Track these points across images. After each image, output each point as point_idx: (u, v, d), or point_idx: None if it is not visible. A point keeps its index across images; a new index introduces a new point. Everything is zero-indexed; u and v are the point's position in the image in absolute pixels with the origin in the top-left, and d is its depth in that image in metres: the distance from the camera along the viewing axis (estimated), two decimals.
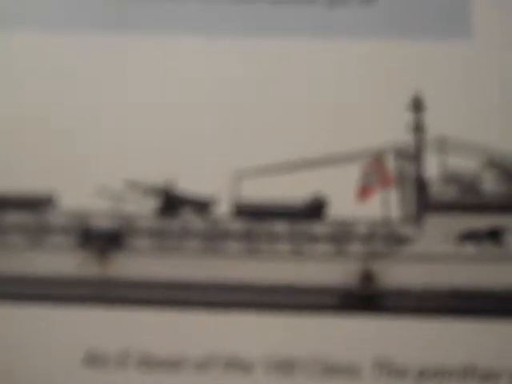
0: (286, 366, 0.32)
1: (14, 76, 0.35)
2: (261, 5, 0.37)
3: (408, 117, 0.34)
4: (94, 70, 0.35)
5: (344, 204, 0.33)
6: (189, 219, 0.34)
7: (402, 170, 0.34)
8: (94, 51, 0.35)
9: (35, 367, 0.31)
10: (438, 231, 0.33)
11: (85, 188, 0.33)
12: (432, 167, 0.34)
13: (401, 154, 0.34)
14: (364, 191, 0.33)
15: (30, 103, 0.35)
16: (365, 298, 0.32)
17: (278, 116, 0.35)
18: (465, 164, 0.34)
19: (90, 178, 0.33)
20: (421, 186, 0.34)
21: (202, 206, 0.33)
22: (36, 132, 0.34)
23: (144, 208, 0.33)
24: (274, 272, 0.33)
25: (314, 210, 0.33)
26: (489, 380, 0.31)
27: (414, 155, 0.34)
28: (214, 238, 0.33)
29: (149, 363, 0.31)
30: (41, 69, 0.35)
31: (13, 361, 0.32)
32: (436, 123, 0.34)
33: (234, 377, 0.31)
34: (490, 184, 0.34)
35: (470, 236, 0.33)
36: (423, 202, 0.34)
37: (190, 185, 0.33)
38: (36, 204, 0.33)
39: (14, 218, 0.34)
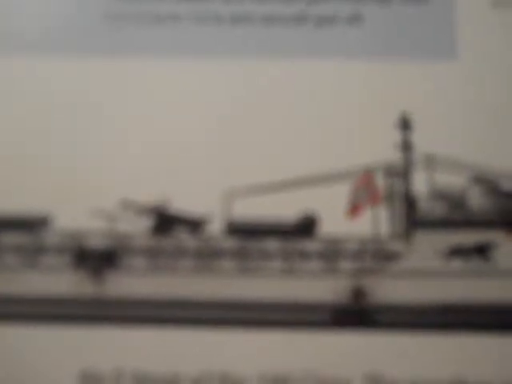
0: (278, 381, 0.32)
1: (13, 100, 0.36)
2: (250, 25, 0.37)
3: (396, 135, 0.35)
4: (90, 94, 0.36)
5: (334, 221, 0.34)
6: (182, 238, 0.34)
7: (391, 187, 0.35)
8: (91, 75, 0.36)
9: None
10: (427, 247, 0.34)
11: (79, 208, 0.33)
12: (420, 184, 0.34)
13: (390, 171, 0.35)
14: (354, 209, 0.34)
15: (28, 126, 0.35)
16: (356, 314, 0.33)
17: (269, 136, 0.35)
18: (452, 181, 0.34)
19: (85, 199, 0.34)
20: (409, 202, 0.35)
21: (195, 225, 0.34)
22: (32, 154, 0.35)
23: (138, 227, 0.34)
24: (267, 289, 0.33)
25: (305, 227, 0.34)
26: None
27: (403, 173, 0.35)
28: (207, 257, 0.34)
29: (143, 381, 0.32)
30: (38, 92, 0.36)
31: (8, 380, 0.32)
32: (424, 141, 0.35)
33: None
34: (477, 200, 0.35)
35: (458, 252, 0.34)
36: (412, 219, 0.34)
37: (181, 204, 0.34)
38: (31, 224, 0.34)
39: (9, 238, 0.34)
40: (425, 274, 0.33)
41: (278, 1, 0.38)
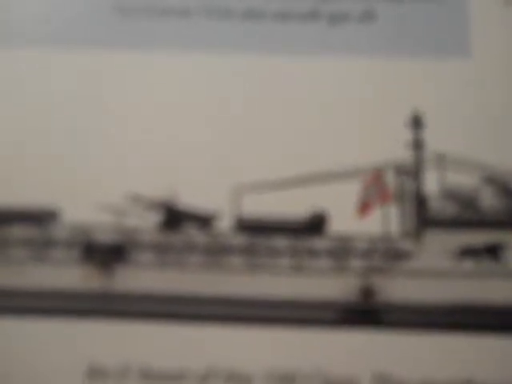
0: (286, 379, 0.32)
1: (22, 93, 0.35)
2: (262, 22, 0.37)
3: (408, 134, 0.35)
4: (99, 87, 0.36)
5: (344, 219, 0.34)
6: (191, 233, 0.34)
7: (402, 186, 0.34)
8: (100, 68, 0.36)
9: (37, 380, 0.32)
10: (437, 246, 0.34)
11: (88, 203, 0.33)
12: (431, 183, 0.34)
13: (400, 170, 0.34)
14: (364, 207, 0.34)
15: (36, 122, 0.35)
16: (365, 313, 0.33)
17: (279, 133, 0.35)
18: (463, 180, 0.34)
19: (93, 193, 0.34)
20: (420, 201, 0.34)
21: (204, 221, 0.34)
22: (41, 149, 0.35)
23: (146, 222, 0.34)
24: (275, 286, 0.33)
25: (315, 225, 0.34)
26: None
27: (414, 171, 0.34)
28: (216, 253, 0.34)
29: (150, 376, 0.32)
30: (41, 85, 0.36)
31: (15, 374, 0.32)
32: (435, 140, 0.34)
33: None
34: (489, 200, 0.34)
35: (469, 252, 0.33)
36: (422, 218, 0.34)
37: (191, 200, 0.34)
38: (40, 218, 0.34)
39: (18, 231, 0.34)
40: (435, 273, 0.33)
41: None
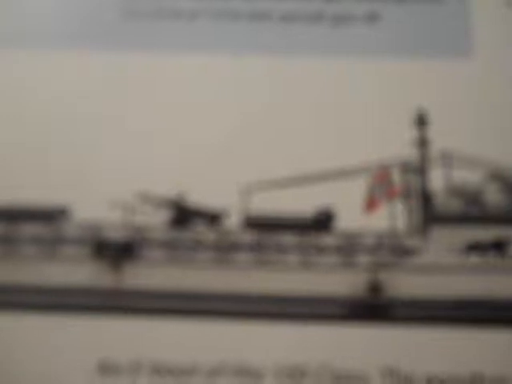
0: (295, 374, 0.32)
1: (35, 90, 0.36)
2: (268, 23, 0.38)
3: (413, 132, 0.35)
4: (111, 88, 0.36)
5: (351, 216, 0.34)
6: (200, 231, 0.34)
7: (408, 183, 0.35)
8: (109, 71, 0.36)
9: (48, 377, 0.32)
10: (444, 242, 0.34)
11: (98, 201, 0.34)
12: (437, 180, 0.35)
13: (406, 167, 0.35)
14: (371, 203, 0.34)
15: (50, 117, 0.35)
16: (372, 308, 0.33)
17: (287, 131, 0.35)
18: (469, 177, 0.34)
19: (103, 191, 0.34)
20: (426, 198, 0.35)
21: (213, 218, 0.34)
22: (52, 145, 0.35)
23: (156, 220, 0.34)
24: (283, 282, 0.33)
25: (322, 222, 0.34)
26: None
27: (419, 169, 0.35)
28: (225, 250, 0.34)
29: (161, 372, 0.32)
30: (59, 85, 0.36)
31: (26, 370, 0.32)
32: (440, 138, 0.35)
33: None
34: (494, 196, 0.35)
35: (475, 247, 0.34)
36: (429, 214, 0.35)
37: (200, 197, 0.34)
38: (50, 215, 0.34)
39: (28, 229, 0.34)
40: (441, 269, 0.33)
41: None
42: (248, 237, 0.34)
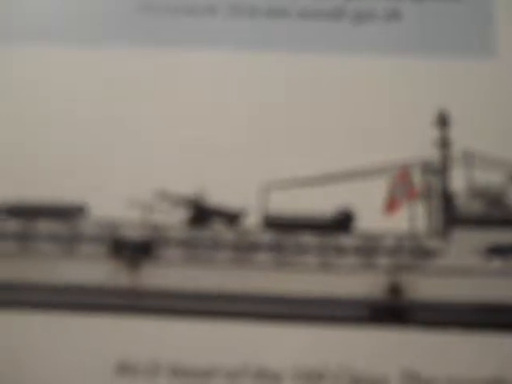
0: (314, 376, 0.32)
1: (47, 87, 0.36)
2: (286, 20, 0.37)
3: (434, 132, 0.35)
4: (128, 84, 0.36)
5: (371, 217, 0.34)
6: (218, 230, 0.34)
7: (429, 184, 0.34)
8: (127, 66, 0.36)
9: (66, 376, 0.32)
10: (465, 245, 0.34)
11: (116, 199, 0.33)
12: (458, 181, 0.34)
13: (427, 168, 0.34)
14: (392, 204, 0.34)
15: (67, 116, 0.35)
16: (392, 311, 0.33)
17: (306, 129, 0.35)
18: (491, 178, 0.34)
19: (121, 190, 0.33)
20: (447, 199, 0.34)
21: (231, 218, 0.34)
22: (70, 143, 0.35)
23: (174, 219, 0.34)
24: (303, 284, 0.33)
25: (342, 222, 0.34)
26: None
27: (441, 169, 0.34)
28: (244, 250, 0.34)
29: (179, 373, 0.32)
30: (75, 81, 0.36)
31: (44, 369, 0.32)
32: (462, 138, 0.34)
33: None
34: None
35: (497, 250, 0.33)
36: (450, 216, 0.34)
37: (219, 197, 0.34)
38: (68, 214, 0.34)
39: (46, 226, 0.34)
40: (462, 271, 0.33)
41: None
42: (267, 237, 0.34)
